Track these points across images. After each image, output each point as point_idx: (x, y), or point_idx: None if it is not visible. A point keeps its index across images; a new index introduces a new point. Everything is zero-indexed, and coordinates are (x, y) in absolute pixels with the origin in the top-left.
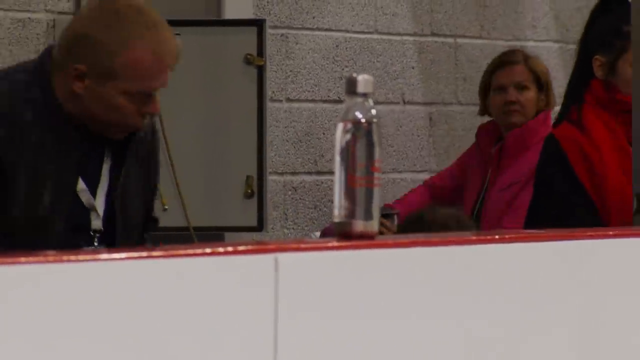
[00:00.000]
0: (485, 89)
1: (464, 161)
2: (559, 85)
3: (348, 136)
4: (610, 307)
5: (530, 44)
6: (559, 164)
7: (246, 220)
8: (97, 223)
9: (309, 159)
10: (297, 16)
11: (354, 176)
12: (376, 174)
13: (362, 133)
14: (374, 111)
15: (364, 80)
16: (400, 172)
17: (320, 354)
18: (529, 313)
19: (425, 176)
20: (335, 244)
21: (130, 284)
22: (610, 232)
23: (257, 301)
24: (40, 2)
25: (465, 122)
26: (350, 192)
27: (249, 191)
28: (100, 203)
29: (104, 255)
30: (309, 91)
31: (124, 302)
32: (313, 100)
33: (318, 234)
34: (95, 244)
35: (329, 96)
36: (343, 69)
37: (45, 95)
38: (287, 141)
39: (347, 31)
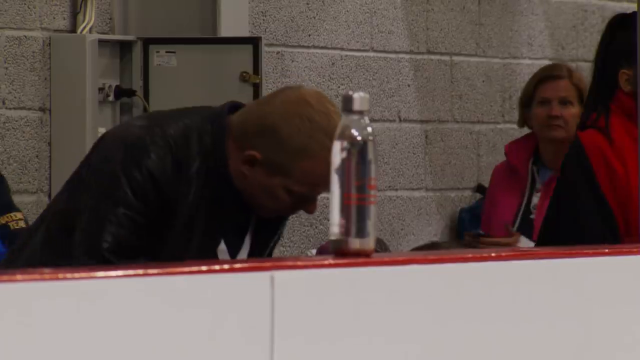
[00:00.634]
0: (527, 100)
1: (492, 185)
2: None
3: (344, 154)
4: (604, 324)
5: (526, 61)
6: (581, 169)
7: None
8: None
9: None
10: (293, 34)
11: (349, 194)
12: (372, 192)
13: (358, 150)
14: (369, 129)
15: (359, 98)
16: (396, 189)
17: None
18: (525, 330)
19: (422, 194)
20: (331, 261)
21: (126, 301)
22: (606, 250)
23: (253, 318)
24: (36, 19)
25: (461, 140)
26: (346, 209)
27: None
28: None
29: (100, 273)
30: None
31: (120, 319)
32: None
33: (314, 251)
34: None
35: None
36: (339, 87)
37: (217, 156)
38: None
39: (343, 49)
